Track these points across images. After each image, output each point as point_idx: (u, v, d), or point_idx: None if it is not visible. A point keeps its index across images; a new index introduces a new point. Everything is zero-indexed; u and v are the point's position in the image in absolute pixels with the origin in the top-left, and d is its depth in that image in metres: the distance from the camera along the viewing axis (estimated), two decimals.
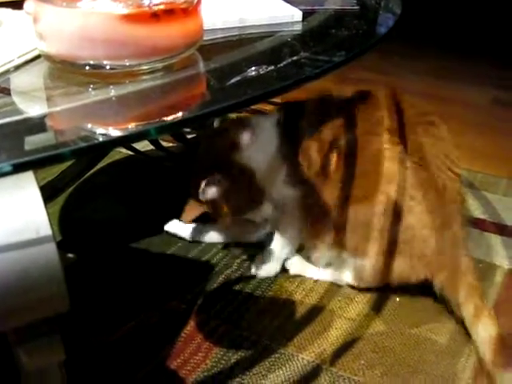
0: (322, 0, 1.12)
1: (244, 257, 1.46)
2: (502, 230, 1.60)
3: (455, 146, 1.47)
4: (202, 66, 0.80)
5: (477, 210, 1.66)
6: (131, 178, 1.79)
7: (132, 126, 0.63)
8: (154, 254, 1.47)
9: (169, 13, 0.67)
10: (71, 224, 1.56)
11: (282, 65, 0.77)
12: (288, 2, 1.03)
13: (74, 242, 1.50)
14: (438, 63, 2.91)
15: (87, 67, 0.68)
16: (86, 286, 1.34)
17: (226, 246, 1.49)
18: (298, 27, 0.94)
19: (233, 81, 0.73)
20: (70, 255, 1.44)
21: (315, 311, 1.30)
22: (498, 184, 1.80)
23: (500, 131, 2.20)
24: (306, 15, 0.99)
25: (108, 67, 0.67)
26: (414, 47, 3.09)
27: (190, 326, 1.25)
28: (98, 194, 1.70)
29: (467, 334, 1.23)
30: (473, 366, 1.17)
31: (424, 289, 1.32)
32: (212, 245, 1.50)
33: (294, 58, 0.80)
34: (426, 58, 2.97)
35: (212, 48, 0.85)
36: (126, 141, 0.60)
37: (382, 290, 1.34)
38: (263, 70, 0.75)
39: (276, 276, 1.40)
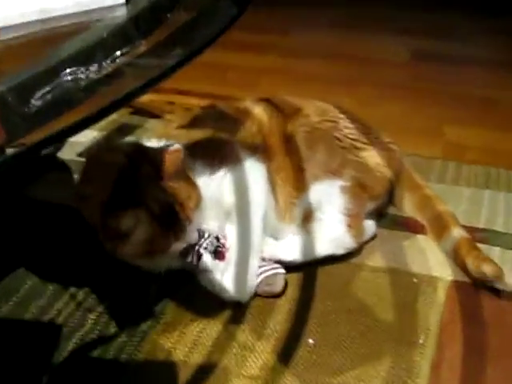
0: None
1: (100, 309, 1.44)
2: None
3: (368, 118, 1.66)
4: None
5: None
6: None
7: None
8: None
9: None
10: None
11: (97, 76, 0.76)
12: None
13: None
14: (346, 12, 2.98)
15: None
16: None
17: (72, 296, 1.48)
18: (121, 13, 0.92)
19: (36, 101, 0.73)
20: None
21: (204, 373, 1.30)
22: (431, 167, 1.87)
23: (423, 94, 2.29)
24: None
25: None
26: None
27: None
28: None
29: (403, 377, 1.27)
30: None
31: (341, 324, 1.37)
32: (56, 296, 1.48)
33: (114, 63, 0.80)
34: (329, 5, 3.02)
35: (9, 52, 0.84)
36: None
37: (292, 332, 1.38)
38: (75, 82, 0.76)
39: (146, 331, 1.39)
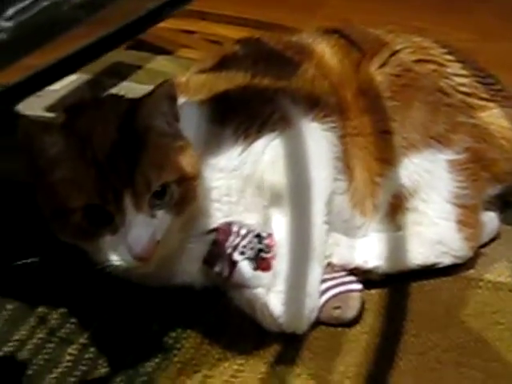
0: None
1: (82, 339, 1.39)
2: None
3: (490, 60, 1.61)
4: None
5: None
6: None
7: None
8: None
9: None
10: None
11: None
12: None
13: None
14: None
15: None
16: None
17: (41, 319, 1.42)
18: None
19: None
20: None
21: None
22: None
23: None
24: None
25: None
26: None
27: None
28: None
29: None
30: None
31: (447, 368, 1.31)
32: (17, 319, 1.43)
33: None
34: None
35: None
36: None
37: (371, 379, 1.31)
38: None
39: (152, 372, 1.32)
